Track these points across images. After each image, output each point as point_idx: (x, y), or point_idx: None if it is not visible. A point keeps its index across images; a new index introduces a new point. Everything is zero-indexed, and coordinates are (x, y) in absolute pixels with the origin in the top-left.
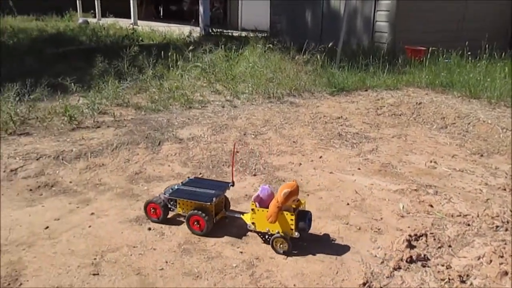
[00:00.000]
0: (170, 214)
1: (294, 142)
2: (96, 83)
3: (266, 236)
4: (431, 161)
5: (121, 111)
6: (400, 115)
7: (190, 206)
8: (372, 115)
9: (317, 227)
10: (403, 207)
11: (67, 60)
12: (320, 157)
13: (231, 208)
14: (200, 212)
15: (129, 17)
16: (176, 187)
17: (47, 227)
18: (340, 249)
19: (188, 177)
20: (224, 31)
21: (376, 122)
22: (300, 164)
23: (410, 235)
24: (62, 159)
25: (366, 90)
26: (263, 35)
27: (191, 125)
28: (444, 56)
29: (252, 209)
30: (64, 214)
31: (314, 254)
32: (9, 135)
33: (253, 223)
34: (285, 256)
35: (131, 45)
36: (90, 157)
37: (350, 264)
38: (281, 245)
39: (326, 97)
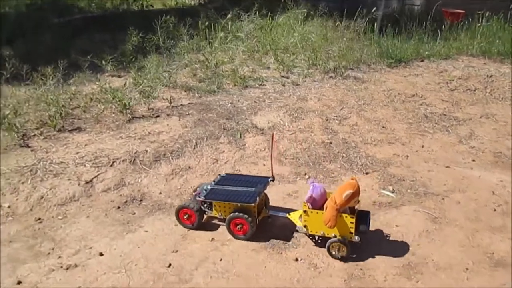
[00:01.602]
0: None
1: (383, 127)
2: (129, 60)
3: (317, 238)
4: None
5: (171, 94)
6: (474, 90)
7: (229, 208)
8: (446, 91)
9: (483, 245)
10: None
11: (84, 32)
12: (422, 146)
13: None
14: (242, 214)
15: None
16: (209, 187)
17: (170, 265)
18: None
19: (219, 174)
20: None
21: (454, 100)
22: (407, 156)
23: None
24: (140, 163)
25: (423, 61)
26: None
27: (262, 109)
28: (484, 19)
29: (305, 211)
30: (179, 242)
31: None
32: (59, 131)
33: (305, 226)
34: None
35: (141, 11)
36: (172, 158)
37: None
38: (339, 250)
39: (386, 70)
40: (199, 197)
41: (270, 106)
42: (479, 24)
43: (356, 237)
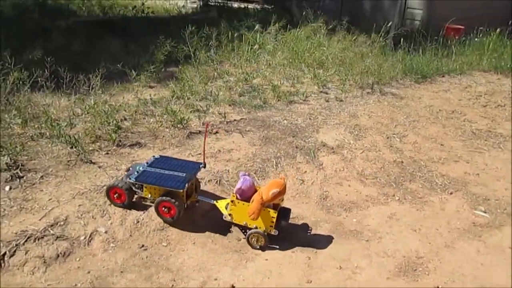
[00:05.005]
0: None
1: (441, 145)
2: (159, 69)
3: (241, 228)
4: None
5: (217, 108)
6: (504, 106)
7: (159, 191)
8: (479, 107)
9: None
10: None
11: (101, 38)
12: (486, 164)
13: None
14: (170, 198)
15: None
16: (141, 168)
17: None
18: None
19: (153, 156)
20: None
21: (490, 116)
22: (478, 174)
23: None
24: (227, 184)
25: (443, 76)
26: (268, 7)
27: (321, 127)
28: (478, 34)
29: (232, 201)
30: (307, 271)
31: None
32: (118, 146)
33: (230, 215)
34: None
35: (144, 17)
36: (258, 179)
37: None
38: (258, 241)
39: (415, 86)
40: (130, 178)
41: (326, 123)
42: (476, 39)
43: (275, 231)
